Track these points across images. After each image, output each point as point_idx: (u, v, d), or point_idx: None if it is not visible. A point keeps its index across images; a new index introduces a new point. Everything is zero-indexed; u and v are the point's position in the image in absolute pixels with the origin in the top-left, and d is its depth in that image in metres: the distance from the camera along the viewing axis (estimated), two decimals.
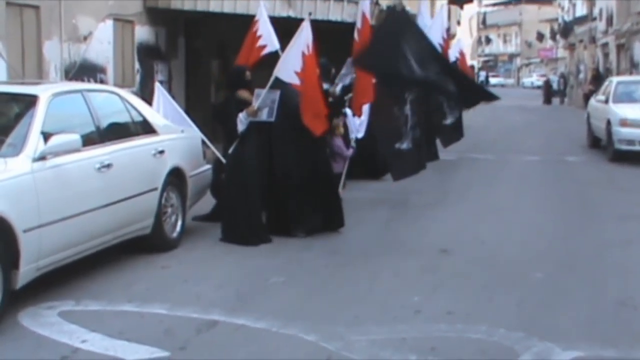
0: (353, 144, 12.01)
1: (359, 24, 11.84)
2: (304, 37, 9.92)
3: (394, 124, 12.19)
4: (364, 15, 11.80)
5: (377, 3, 20.43)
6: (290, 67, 9.80)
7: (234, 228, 9.48)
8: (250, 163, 9.58)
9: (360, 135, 12.09)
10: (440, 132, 17.68)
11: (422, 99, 12.55)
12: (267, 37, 10.67)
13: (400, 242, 9.78)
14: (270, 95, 9.59)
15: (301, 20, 17.26)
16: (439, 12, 20.73)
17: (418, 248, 9.41)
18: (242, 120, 9.53)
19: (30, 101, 7.38)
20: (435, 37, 16.84)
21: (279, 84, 9.74)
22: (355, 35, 11.92)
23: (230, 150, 9.67)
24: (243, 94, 9.70)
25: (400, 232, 10.35)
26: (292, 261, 8.71)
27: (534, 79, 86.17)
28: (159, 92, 10.81)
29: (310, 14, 10.67)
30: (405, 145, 12.33)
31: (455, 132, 17.91)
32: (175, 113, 10.50)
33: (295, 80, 9.81)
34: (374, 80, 11.52)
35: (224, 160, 10.10)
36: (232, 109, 9.61)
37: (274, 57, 10.38)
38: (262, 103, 9.57)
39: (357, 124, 12.05)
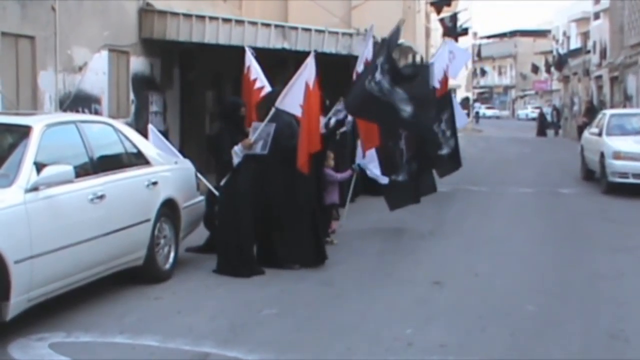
0: (356, 166, 12.03)
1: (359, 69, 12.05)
2: (307, 72, 10.02)
3: (389, 157, 12.29)
4: (367, 61, 12.02)
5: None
6: (295, 100, 9.92)
7: (227, 260, 9.47)
8: (244, 195, 9.59)
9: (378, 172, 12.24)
10: (437, 163, 17.69)
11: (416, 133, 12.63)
12: (261, 79, 11.02)
13: (393, 273, 9.76)
14: (266, 129, 9.65)
15: (296, 52, 17.47)
16: (441, 47, 20.77)
17: (411, 280, 9.40)
18: (237, 153, 9.55)
19: (23, 132, 7.40)
20: (437, 72, 16.96)
21: (277, 115, 9.80)
22: (354, 76, 12.11)
23: (222, 182, 9.68)
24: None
25: (394, 264, 10.33)
26: (285, 293, 8.69)
27: (529, 110, 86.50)
28: (152, 133, 10.89)
29: (315, 51, 10.80)
30: (401, 177, 12.42)
31: (451, 163, 17.90)
32: (168, 151, 10.54)
33: (298, 112, 9.93)
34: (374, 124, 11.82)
35: (216, 193, 10.13)
36: (226, 141, 9.63)
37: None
38: (258, 136, 9.62)
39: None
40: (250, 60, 11.19)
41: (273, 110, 9.82)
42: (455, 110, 18.19)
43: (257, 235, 9.77)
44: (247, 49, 11.46)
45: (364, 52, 12.61)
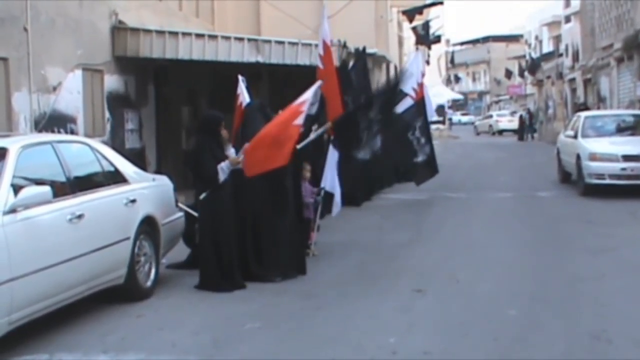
0: (322, 194, 11.91)
1: (320, 51, 12.14)
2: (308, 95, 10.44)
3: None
4: (324, 43, 12.13)
5: (344, 46, 20.59)
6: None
7: (208, 275, 9.46)
8: (225, 210, 9.58)
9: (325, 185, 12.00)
10: (412, 170, 17.74)
11: (392, 139, 12.61)
12: (245, 98, 11.20)
13: (374, 283, 9.78)
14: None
15: (269, 65, 17.54)
16: (414, 56, 20.94)
17: (393, 288, 9.42)
18: (224, 170, 9.56)
19: None
20: (410, 81, 17.13)
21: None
22: (319, 62, 12.24)
23: (202, 197, 9.67)
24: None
25: (375, 273, 10.35)
26: (267, 306, 8.69)
27: (506, 120, 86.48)
28: None
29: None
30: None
31: (428, 170, 17.96)
32: None
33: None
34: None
35: (194, 213, 10.17)
36: (205, 155, 9.60)
37: None
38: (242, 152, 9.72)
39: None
40: (242, 88, 11.39)
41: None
42: (427, 106, 18.38)
43: (238, 250, 9.76)
44: (240, 78, 11.62)
45: (321, 34, 12.72)
